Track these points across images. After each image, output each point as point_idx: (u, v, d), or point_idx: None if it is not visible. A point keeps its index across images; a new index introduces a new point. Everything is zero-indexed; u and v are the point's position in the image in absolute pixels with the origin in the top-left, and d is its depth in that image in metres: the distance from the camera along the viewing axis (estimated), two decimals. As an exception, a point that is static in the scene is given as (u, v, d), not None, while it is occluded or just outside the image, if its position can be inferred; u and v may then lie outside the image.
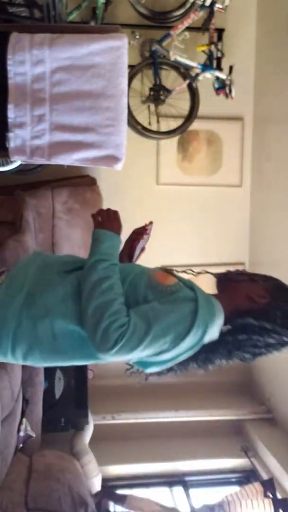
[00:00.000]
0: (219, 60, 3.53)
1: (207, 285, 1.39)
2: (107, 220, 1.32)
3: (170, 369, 1.31)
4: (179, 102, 3.59)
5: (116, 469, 3.28)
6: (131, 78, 3.31)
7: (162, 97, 3.50)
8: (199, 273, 1.46)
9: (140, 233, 1.55)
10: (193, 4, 3.37)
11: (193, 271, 1.45)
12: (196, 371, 1.34)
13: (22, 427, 2.69)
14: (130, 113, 3.37)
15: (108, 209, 1.39)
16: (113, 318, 1.11)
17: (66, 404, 3.14)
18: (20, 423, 2.68)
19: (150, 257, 3.98)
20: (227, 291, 1.35)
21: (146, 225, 1.58)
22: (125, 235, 1.47)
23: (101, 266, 1.19)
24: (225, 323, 1.27)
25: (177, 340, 1.16)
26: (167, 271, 1.36)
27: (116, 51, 2.12)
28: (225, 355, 1.31)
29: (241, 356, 1.32)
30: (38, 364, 1.30)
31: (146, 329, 1.13)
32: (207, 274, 1.44)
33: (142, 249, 1.59)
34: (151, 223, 1.59)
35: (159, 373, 1.30)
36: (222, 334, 1.26)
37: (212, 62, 3.49)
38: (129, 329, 1.11)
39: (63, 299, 1.21)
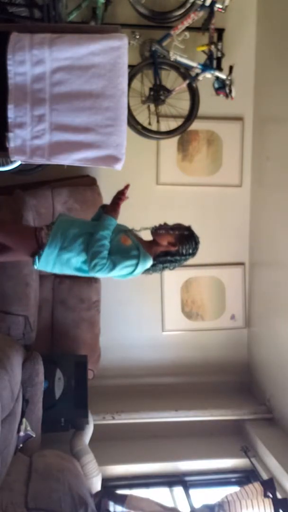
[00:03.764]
0: (219, 60, 3.53)
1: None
2: (114, 211, 2.36)
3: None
4: (179, 102, 3.60)
5: (116, 469, 3.27)
6: (131, 78, 3.31)
7: (162, 97, 3.50)
8: (145, 228, 2.49)
9: (123, 194, 2.37)
10: (193, 4, 3.37)
11: (136, 229, 2.49)
12: None
13: (22, 427, 2.69)
14: (130, 113, 3.37)
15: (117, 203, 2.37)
16: (100, 259, 2.22)
17: (66, 404, 3.13)
18: (20, 423, 2.68)
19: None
20: (155, 241, 2.43)
21: (125, 189, 2.37)
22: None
23: (104, 234, 2.27)
24: (153, 259, 2.39)
25: (129, 273, 2.32)
26: (127, 234, 2.37)
27: (116, 51, 2.12)
28: (152, 270, 2.45)
29: (160, 269, 2.48)
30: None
31: (112, 267, 2.24)
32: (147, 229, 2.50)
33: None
34: (127, 186, 2.38)
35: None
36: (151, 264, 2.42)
37: (212, 62, 3.49)
38: (105, 266, 2.23)
39: (79, 247, 2.30)
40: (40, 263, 2.31)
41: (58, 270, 2.36)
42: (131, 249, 2.31)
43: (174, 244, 2.40)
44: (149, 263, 2.37)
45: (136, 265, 2.29)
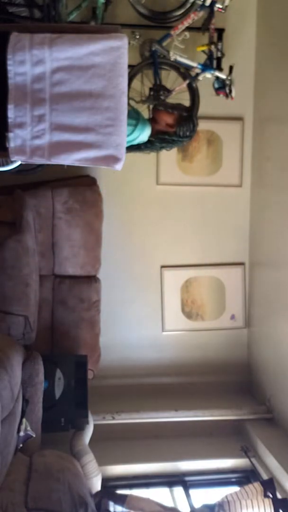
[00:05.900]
0: (219, 60, 3.53)
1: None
2: None
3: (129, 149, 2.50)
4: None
5: (116, 469, 3.27)
6: (131, 78, 3.31)
7: (162, 97, 3.50)
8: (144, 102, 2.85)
9: None
10: (193, 4, 3.37)
11: (136, 99, 2.83)
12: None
13: (22, 427, 2.68)
14: (130, 113, 3.37)
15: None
16: None
17: (66, 404, 3.13)
18: (20, 423, 2.68)
19: (151, 257, 4.01)
20: (154, 118, 2.57)
21: None
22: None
23: None
24: (152, 137, 2.51)
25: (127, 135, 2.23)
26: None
27: (116, 51, 2.12)
28: (150, 148, 2.60)
29: (157, 149, 2.64)
30: None
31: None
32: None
33: None
34: None
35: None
36: (148, 140, 2.54)
37: (212, 62, 3.49)
38: None
39: None
40: None
41: None
42: (130, 111, 2.38)
43: (172, 126, 2.52)
44: (148, 131, 2.48)
45: (135, 126, 2.40)
